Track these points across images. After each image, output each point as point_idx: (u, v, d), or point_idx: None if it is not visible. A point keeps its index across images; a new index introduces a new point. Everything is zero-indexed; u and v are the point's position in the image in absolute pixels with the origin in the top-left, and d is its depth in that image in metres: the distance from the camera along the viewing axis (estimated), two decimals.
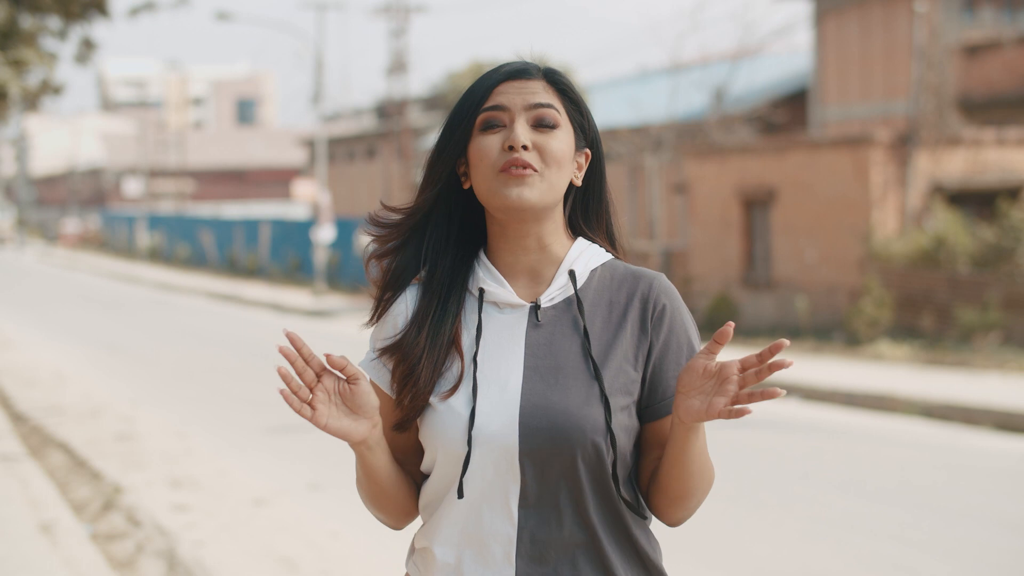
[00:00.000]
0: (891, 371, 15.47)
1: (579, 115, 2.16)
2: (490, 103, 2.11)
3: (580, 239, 2.19)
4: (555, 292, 2.14)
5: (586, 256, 2.17)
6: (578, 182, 2.16)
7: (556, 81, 2.15)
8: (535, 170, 2.08)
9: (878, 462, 10.16)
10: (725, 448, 10.63)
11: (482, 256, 2.17)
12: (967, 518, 8.10)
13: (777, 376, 14.79)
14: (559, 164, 2.10)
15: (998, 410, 12.16)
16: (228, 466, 9.71)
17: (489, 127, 2.10)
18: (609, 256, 2.20)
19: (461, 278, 2.17)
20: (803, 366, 16.08)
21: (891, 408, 13.08)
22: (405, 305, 2.19)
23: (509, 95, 2.11)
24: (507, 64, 2.16)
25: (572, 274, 2.14)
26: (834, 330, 19.03)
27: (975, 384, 14.10)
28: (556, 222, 2.16)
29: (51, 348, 18.93)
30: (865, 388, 13.68)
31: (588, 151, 2.18)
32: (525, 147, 2.07)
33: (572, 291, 2.14)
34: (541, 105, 2.11)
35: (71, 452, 10.26)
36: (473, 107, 2.12)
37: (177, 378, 15.65)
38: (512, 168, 2.07)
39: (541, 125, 2.10)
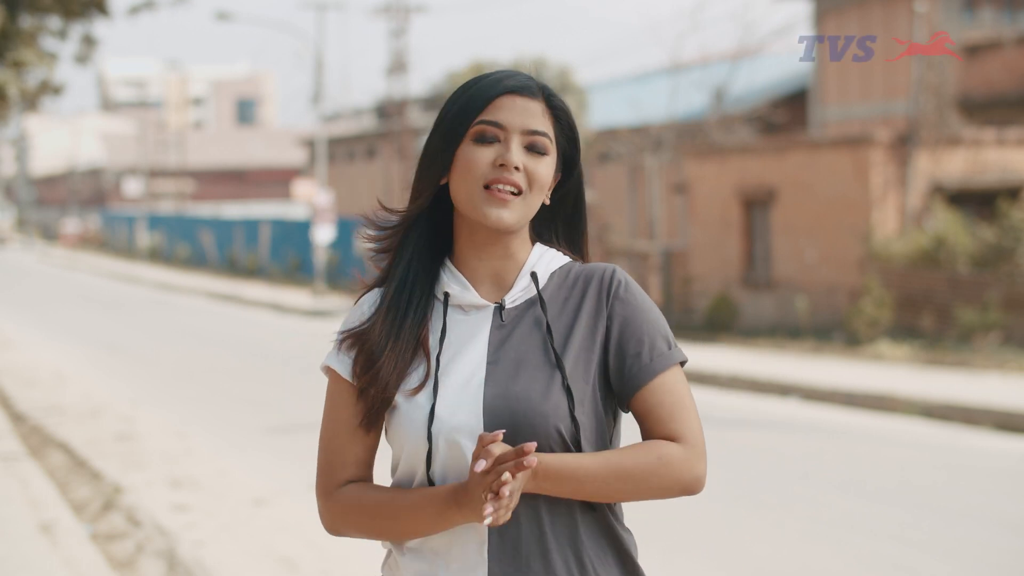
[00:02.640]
0: (891, 371, 15.46)
1: (564, 140, 2.22)
2: (488, 116, 2.15)
3: (538, 244, 2.25)
4: (518, 293, 2.20)
5: (546, 259, 2.23)
6: (547, 201, 2.22)
7: (554, 105, 2.20)
8: (520, 191, 2.14)
9: (878, 462, 10.16)
10: (725, 448, 10.63)
11: (448, 263, 2.23)
12: (967, 518, 8.10)
13: (777, 376, 14.80)
14: (540, 189, 2.17)
15: (998, 410, 12.16)
16: (228, 466, 9.71)
17: (482, 140, 2.15)
18: (567, 259, 2.26)
19: (427, 281, 2.22)
20: (803, 366, 16.08)
21: (891, 408, 13.08)
22: (373, 301, 2.25)
23: (509, 113, 2.15)
24: (510, 75, 2.19)
25: (534, 276, 2.20)
26: (834, 330, 19.02)
27: (975, 384, 14.10)
28: (523, 234, 2.23)
29: (51, 348, 18.94)
30: (865, 388, 13.68)
31: (559, 174, 2.24)
32: (517, 168, 2.13)
33: (534, 291, 2.20)
34: (537, 132, 2.16)
35: (71, 452, 10.26)
36: (472, 114, 2.16)
37: (177, 378, 15.66)
38: (497, 188, 2.12)
39: (533, 150, 2.16)
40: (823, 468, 9.89)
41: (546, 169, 2.16)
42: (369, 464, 2.23)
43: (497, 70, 2.22)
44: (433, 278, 2.22)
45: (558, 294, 2.21)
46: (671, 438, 2.12)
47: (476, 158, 2.13)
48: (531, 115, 2.15)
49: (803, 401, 13.96)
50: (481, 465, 1.96)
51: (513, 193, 2.13)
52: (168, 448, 10.44)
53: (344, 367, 2.21)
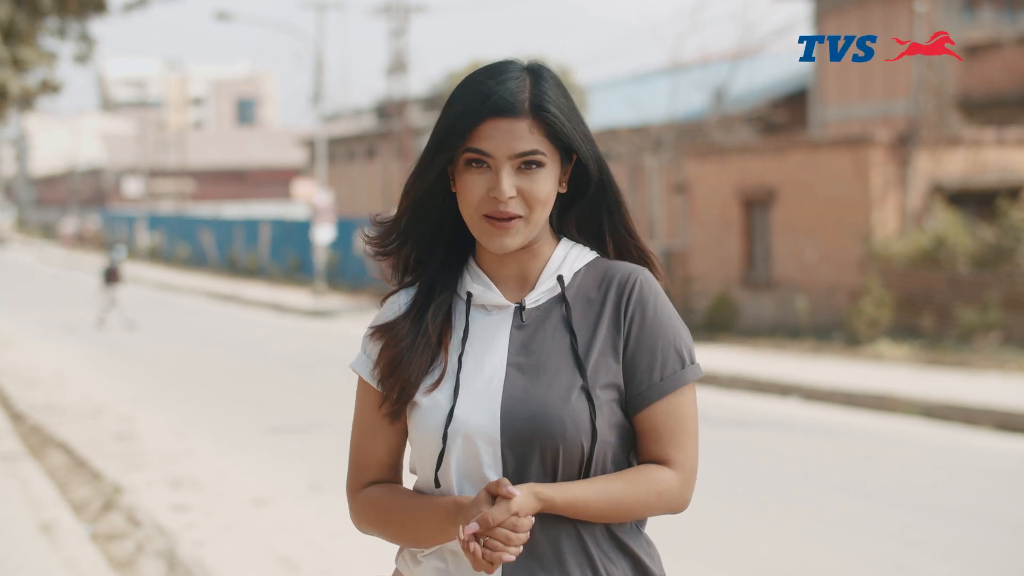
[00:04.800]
0: (891, 371, 15.46)
1: (564, 137, 2.12)
2: (475, 144, 2.09)
3: (564, 240, 2.21)
4: (540, 294, 2.16)
5: (571, 257, 2.19)
6: (563, 189, 2.17)
7: (544, 118, 2.10)
8: (520, 216, 2.09)
9: (878, 462, 10.16)
10: (725, 448, 10.63)
11: (471, 261, 2.20)
12: (967, 518, 8.10)
13: (777, 376, 14.79)
14: (544, 204, 2.11)
15: (998, 410, 12.15)
16: (228, 466, 9.71)
17: (473, 164, 2.10)
18: (594, 255, 2.22)
19: (450, 280, 2.20)
20: (803, 366, 16.08)
21: (891, 408, 13.08)
22: (399, 303, 2.23)
23: (494, 141, 2.08)
24: (494, 89, 2.10)
25: (559, 278, 2.17)
26: (834, 330, 19.02)
27: (975, 384, 14.10)
28: (543, 232, 2.18)
29: (51, 348, 18.94)
30: (865, 388, 13.68)
31: (569, 166, 2.18)
32: (512, 197, 2.08)
33: (558, 291, 2.16)
34: (525, 154, 2.09)
35: (71, 452, 10.27)
36: (459, 139, 2.10)
37: (177, 378, 15.66)
38: (495, 221, 2.09)
39: (526, 167, 2.09)
40: (823, 468, 9.89)
41: (543, 185, 2.10)
42: (393, 467, 2.24)
43: (488, 69, 2.14)
44: (456, 277, 2.20)
45: (583, 294, 2.17)
46: (665, 461, 2.13)
47: (471, 186, 2.10)
48: (517, 138, 2.08)
49: (803, 401, 13.95)
50: (472, 528, 1.97)
51: (512, 219, 2.09)
52: (168, 448, 10.44)
53: (365, 368, 2.21)
